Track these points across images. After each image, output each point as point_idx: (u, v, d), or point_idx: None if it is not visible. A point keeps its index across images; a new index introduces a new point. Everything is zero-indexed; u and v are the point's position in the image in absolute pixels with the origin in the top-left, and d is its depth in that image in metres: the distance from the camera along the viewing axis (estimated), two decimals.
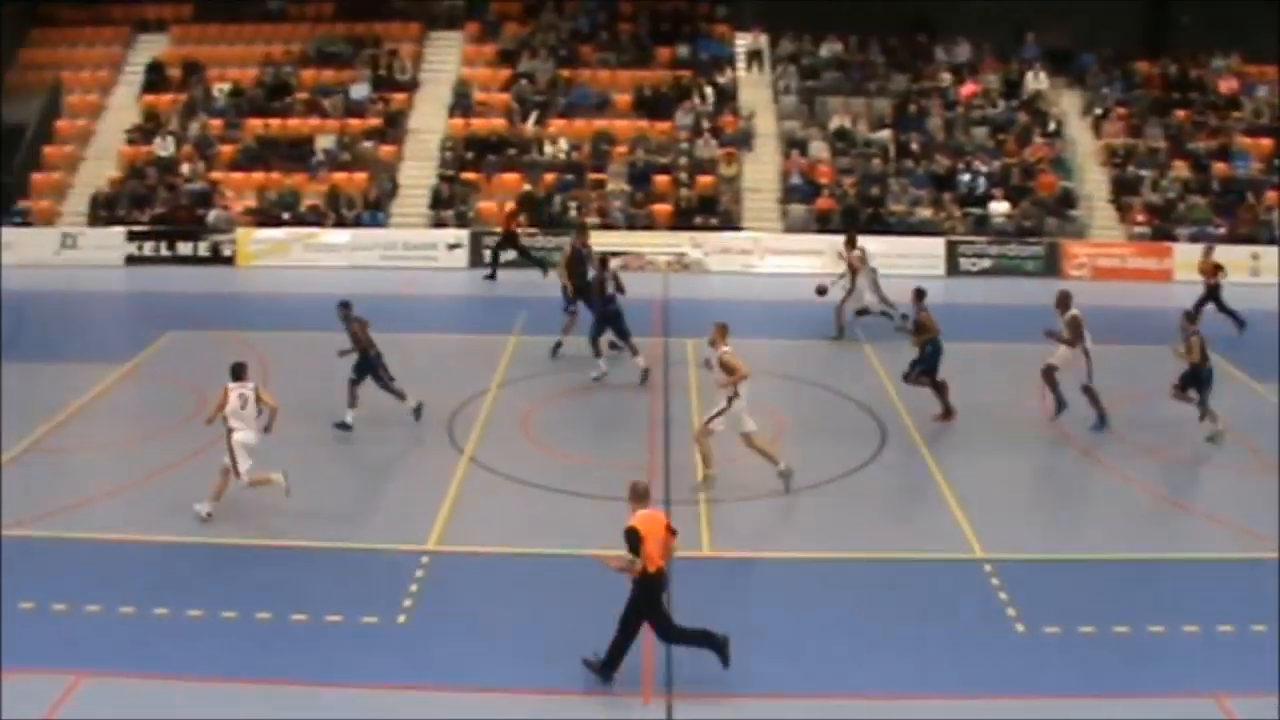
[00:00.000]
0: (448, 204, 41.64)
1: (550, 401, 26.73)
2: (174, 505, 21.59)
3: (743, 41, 48.14)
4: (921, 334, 25.43)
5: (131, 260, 40.80)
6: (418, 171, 43.90)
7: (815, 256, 38.49)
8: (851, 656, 16.63)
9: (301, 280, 37.80)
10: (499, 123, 44.69)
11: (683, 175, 42.32)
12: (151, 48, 49.47)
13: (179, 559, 19.74)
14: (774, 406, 26.17)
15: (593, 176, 42.62)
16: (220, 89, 46.87)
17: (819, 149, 43.43)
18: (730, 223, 40.98)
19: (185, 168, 43.44)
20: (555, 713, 15.70)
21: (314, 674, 16.24)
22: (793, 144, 43.66)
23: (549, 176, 42.62)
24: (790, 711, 15.61)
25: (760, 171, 43.48)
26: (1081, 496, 23.05)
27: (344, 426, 24.61)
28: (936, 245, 39.82)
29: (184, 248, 40.96)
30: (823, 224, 40.76)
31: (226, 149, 44.71)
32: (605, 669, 15.90)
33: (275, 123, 45.17)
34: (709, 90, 45.56)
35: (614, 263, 30.16)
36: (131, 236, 41.14)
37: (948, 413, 25.50)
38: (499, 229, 38.08)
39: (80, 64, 49.06)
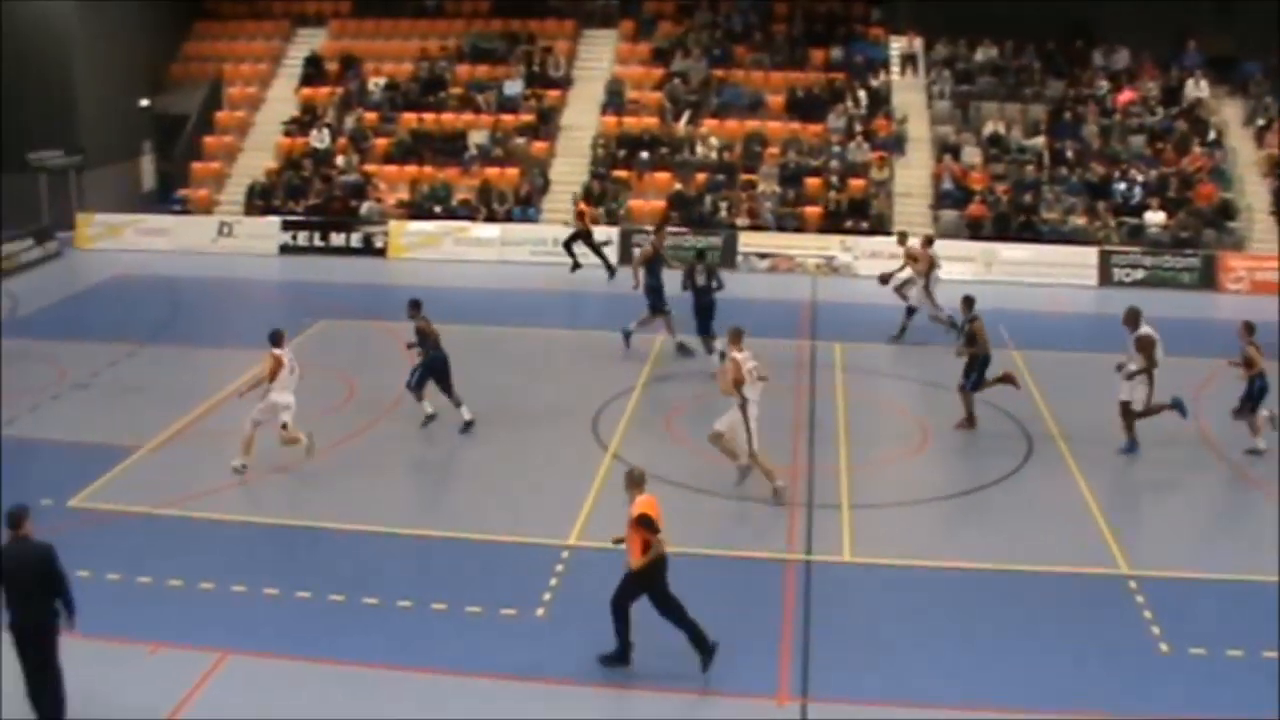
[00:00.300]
0: (598, 201, 41.75)
1: (696, 400, 26.64)
2: (318, 490, 21.93)
3: (897, 45, 47.74)
4: (972, 346, 24.91)
5: (285, 250, 41.51)
6: (569, 168, 44.11)
7: (966, 263, 38.11)
8: (988, 668, 16.34)
9: (451, 274, 38.08)
10: (651, 121, 44.76)
11: (834, 178, 42.08)
12: (310, 41, 50.35)
13: (322, 544, 20.03)
14: (919, 412, 25.96)
15: (743, 177, 42.50)
16: (376, 83, 47.47)
17: (972, 154, 42.95)
18: (880, 227, 40.62)
19: (340, 160, 44.05)
20: (690, 712, 15.64)
21: (451, 663, 16.32)
22: (945, 149, 43.23)
23: (700, 176, 42.59)
24: None
25: (912, 176, 43.12)
26: (1233, 516, 22.38)
27: (430, 418, 24.82)
28: (1089, 255, 39.11)
29: (336, 238, 41.55)
30: (974, 230, 40.28)
31: (381, 142, 45.28)
32: (615, 657, 16.15)
33: (429, 117, 45.64)
34: (862, 93, 45.22)
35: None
36: (286, 226, 41.81)
37: (970, 421, 25.06)
38: (578, 224, 37.88)
39: (241, 57, 50.03)
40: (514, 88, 46.34)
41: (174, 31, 50.54)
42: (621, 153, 43.76)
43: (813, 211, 41.27)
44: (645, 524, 15.76)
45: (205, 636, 16.86)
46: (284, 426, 22.34)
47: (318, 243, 41.36)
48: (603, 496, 21.59)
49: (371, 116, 46.20)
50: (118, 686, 15.79)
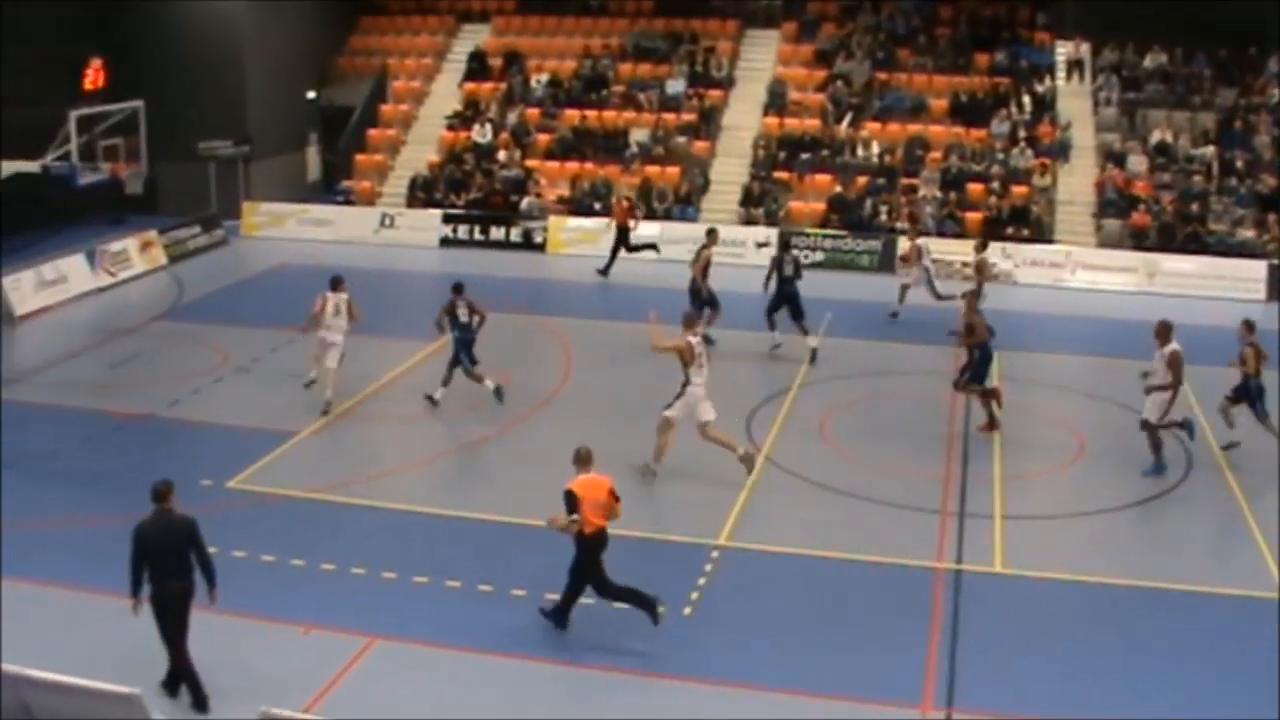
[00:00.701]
0: (758, 202, 41.70)
1: (851, 405, 26.56)
2: (471, 481, 22.27)
3: (1063, 50, 46.89)
4: (971, 337, 24.66)
5: (445, 242, 41.98)
6: (729, 168, 44.10)
7: (1129, 274, 37.56)
8: (1131, 685, 16.08)
9: (610, 271, 38.19)
10: (812, 123, 44.57)
11: (995, 184, 41.59)
12: (474, 37, 50.86)
13: (473, 534, 20.33)
14: (1077, 424, 25.64)
15: (904, 181, 42.15)
16: (538, 80, 47.83)
17: (1137, 163, 42.19)
18: (1042, 235, 40.10)
19: (501, 155, 44.46)
20: (835, 715, 15.53)
21: (596, 658, 16.48)
22: (1110, 157, 42.52)
23: (860, 179, 42.35)
24: None
25: (1075, 184, 42.47)
26: None
27: (431, 400, 25.85)
28: (1258, 268, 38.10)
29: (496, 233, 41.93)
30: (1137, 240, 39.60)
31: (542, 138, 45.62)
32: (555, 615, 17.04)
33: (591, 114, 45.88)
34: (1026, 98, 44.64)
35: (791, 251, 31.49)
36: (447, 219, 42.31)
37: (992, 424, 24.78)
38: (620, 221, 38.53)
39: (406, 51, 50.71)
40: (676, 87, 46.42)
41: (341, 26, 51.39)
42: (782, 154, 43.64)
43: (973, 217, 40.78)
44: (564, 499, 16.75)
45: (355, 621, 17.20)
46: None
47: (477, 236, 41.76)
48: (754, 497, 21.61)
49: (533, 113, 46.56)
50: (269, 665, 16.19)
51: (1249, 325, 24.13)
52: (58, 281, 34.93)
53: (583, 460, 17.16)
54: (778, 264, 29.86)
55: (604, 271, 37.70)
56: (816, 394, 27.09)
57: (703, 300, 29.72)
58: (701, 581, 18.55)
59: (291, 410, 25.54)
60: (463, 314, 25.47)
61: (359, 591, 18.26)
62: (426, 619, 17.46)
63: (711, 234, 31.39)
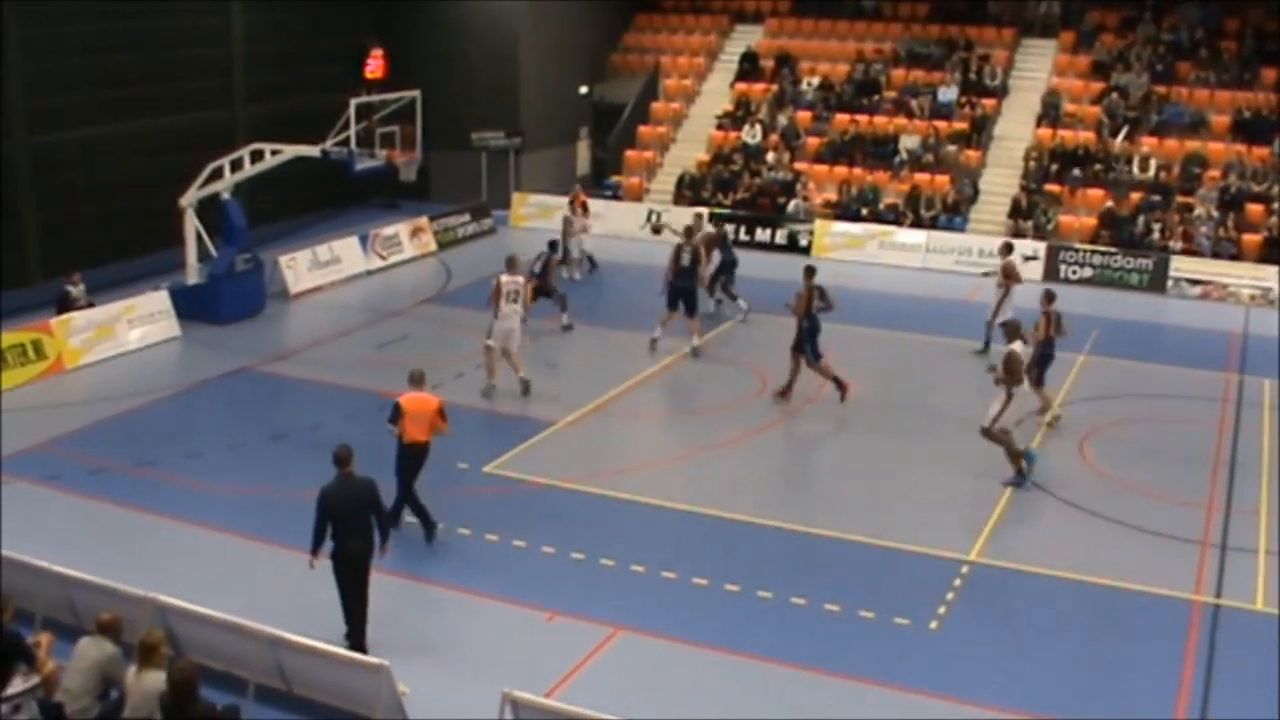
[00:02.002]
0: (1027, 214, 41.08)
1: (1116, 426, 26.01)
2: (722, 481, 22.39)
3: None
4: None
5: None
6: (999, 179, 43.53)
7: None
8: None
9: (873, 277, 38.10)
10: (1087, 136, 43.69)
11: (1277, 205, 40.25)
12: (747, 38, 51.08)
13: (722, 533, 20.54)
14: None
15: (1180, 199, 40.97)
16: (809, 82, 47.79)
17: None
18: None
19: (770, 156, 44.57)
20: None
21: (837, 665, 16.52)
22: None
23: (1134, 196, 41.37)
24: None
25: None
26: None
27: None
28: None
29: (762, 234, 41.99)
30: None
31: (812, 141, 45.59)
32: (389, 517, 17.67)
33: (862, 119, 45.68)
34: None
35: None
36: (713, 218, 42.39)
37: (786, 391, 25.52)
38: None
39: (679, 50, 51.14)
40: (949, 94, 45.98)
41: (616, 23, 52.06)
42: (1054, 166, 42.88)
43: (1251, 239, 39.47)
44: (391, 409, 19.26)
45: (601, 611, 17.60)
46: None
47: (743, 237, 41.77)
48: (1009, 513, 21.38)
49: (804, 115, 46.54)
50: (514, 648, 16.67)
51: (1050, 295, 26.12)
52: (331, 263, 36.23)
53: (415, 380, 19.64)
54: (676, 253, 29.60)
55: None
56: (1079, 413, 26.58)
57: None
58: (950, 596, 18.46)
59: (550, 399, 26.04)
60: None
61: (606, 582, 18.63)
62: (672, 614, 17.73)
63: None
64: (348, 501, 15.78)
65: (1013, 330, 23.64)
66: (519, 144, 45.57)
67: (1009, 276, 29.76)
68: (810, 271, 26.87)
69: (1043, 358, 25.50)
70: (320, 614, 16.18)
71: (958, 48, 47.97)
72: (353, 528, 15.74)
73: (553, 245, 32.38)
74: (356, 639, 15.98)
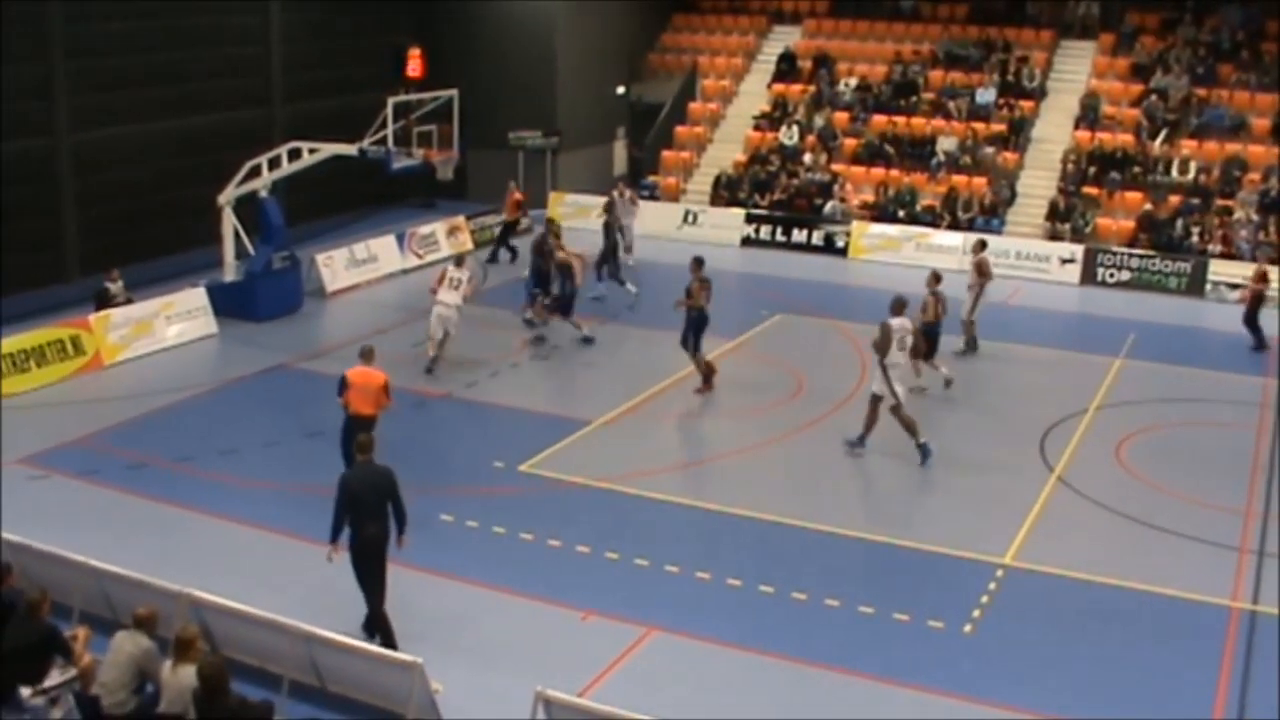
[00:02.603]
0: (1065, 217, 40.92)
1: (1151, 430, 25.87)
2: (759, 481, 22.34)
3: None
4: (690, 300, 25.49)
5: (746, 242, 42.18)
6: (1037, 181, 43.35)
7: None
8: None
9: (910, 279, 37.69)
10: (1125, 138, 43.48)
11: None
12: (785, 38, 51.01)
13: (756, 534, 20.56)
14: None
15: (1220, 203, 40.71)
16: (847, 83, 47.72)
17: None
18: None
19: (807, 157, 44.51)
20: None
21: (870, 667, 16.51)
22: None
23: (1173, 199, 41.15)
24: None
25: None
26: None
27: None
28: None
29: (798, 235, 41.96)
30: None
31: (849, 143, 45.50)
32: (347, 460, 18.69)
33: (900, 120, 45.59)
34: None
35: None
36: (750, 219, 42.54)
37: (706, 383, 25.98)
38: (510, 215, 40.01)
39: (716, 50, 51.13)
40: (986, 96, 45.82)
41: (653, 23, 52.03)
42: (1092, 169, 42.69)
43: None
44: (338, 382, 20.61)
45: (635, 611, 17.62)
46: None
47: (779, 237, 41.84)
48: (1045, 517, 21.31)
49: (841, 116, 46.45)
50: (547, 647, 16.71)
51: (936, 276, 27.66)
52: (368, 261, 36.37)
53: (364, 355, 20.71)
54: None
55: (492, 259, 38.44)
56: (1115, 417, 26.48)
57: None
58: (984, 599, 18.40)
59: (585, 399, 26.11)
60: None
61: (641, 582, 18.64)
62: (706, 614, 17.74)
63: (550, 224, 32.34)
64: (368, 487, 16.04)
65: (898, 305, 23.92)
66: (556, 143, 45.63)
67: (981, 273, 29.77)
68: (699, 263, 27.51)
69: (932, 337, 26.68)
70: (354, 610, 16.28)
71: (996, 49, 47.79)
72: (371, 513, 15.97)
73: (551, 235, 31.36)
74: (376, 625, 16.17)
